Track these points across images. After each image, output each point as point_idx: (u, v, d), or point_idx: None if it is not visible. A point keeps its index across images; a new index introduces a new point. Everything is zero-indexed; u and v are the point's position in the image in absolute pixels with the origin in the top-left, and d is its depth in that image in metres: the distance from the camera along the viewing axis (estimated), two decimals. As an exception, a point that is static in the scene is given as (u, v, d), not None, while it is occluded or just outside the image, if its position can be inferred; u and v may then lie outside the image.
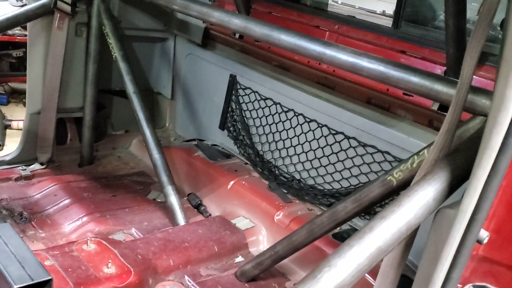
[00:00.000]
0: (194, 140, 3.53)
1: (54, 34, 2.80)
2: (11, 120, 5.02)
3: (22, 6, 4.69)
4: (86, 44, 3.02)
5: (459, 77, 1.20)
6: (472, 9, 2.25)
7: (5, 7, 5.09)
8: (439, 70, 2.14)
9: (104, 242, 2.14)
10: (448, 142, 1.23)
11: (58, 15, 2.77)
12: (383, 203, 1.84)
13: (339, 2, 5.32)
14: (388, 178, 1.56)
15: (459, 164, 1.19)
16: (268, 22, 2.02)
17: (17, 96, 5.75)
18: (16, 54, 5.72)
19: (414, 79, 1.52)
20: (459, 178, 1.17)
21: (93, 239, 2.17)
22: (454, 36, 1.89)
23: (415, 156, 1.54)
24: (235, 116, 3.25)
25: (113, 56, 2.93)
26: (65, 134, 3.26)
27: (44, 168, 3.02)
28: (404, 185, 1.56)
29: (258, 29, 1.98)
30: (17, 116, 5.20)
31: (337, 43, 2.57)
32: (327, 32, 2.62)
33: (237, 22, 2.07)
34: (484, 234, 1.06)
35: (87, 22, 2.97)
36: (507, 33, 1.13)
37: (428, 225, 1.18)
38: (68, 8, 2.76)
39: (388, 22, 2.77)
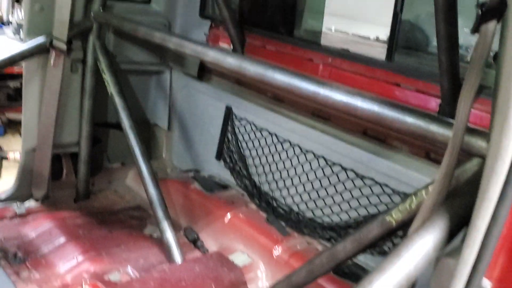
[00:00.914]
0: (190, 171, 3.51)
1: (49, 72, 2.81)
2: (7, 152, 5.01)
3: (20, 39, 4.73)
4: (82, 80, 3.03)
5: (455, 121, 1.20)
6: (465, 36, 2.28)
7: (3, 41, 5.14)
8: (434, 103, 2.14)
9: (99, 285, 2.10)
10: (446, 186, 1.22)
11: (54, 53, 2.78)
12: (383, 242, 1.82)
13: (333, 30, 5.38)
14: (388, 219, 1.54)
15: (458, 209, 1.18)
16: (262, 61, 2.03)
17: (14, 126, 5.76)
18: (14, 86, 5.75)
19: (409, 119, 1.52)
20: (458, 224, 1.15)
21: (88, 281, 2.13)
22: (447, 71, 1.90)
23: (413, 197, 1.53)
24: (231, 147, 3.25)
25: (109, 92, 2.93)
26: (60, 169, 3.24)
27: (39, 205, 3.00)
28: (403, 226, 1.55)
29: (252, 68, 1.98)
30: (14, 146, 5.19)
31: (330, 76, 2.60)
32: (321, 65, 2.64)
33: (231, 61, 2.08)
34: (487, 285, 1.04)
35: (83, 59, 2.98)
36: (501, 70, 1.14)
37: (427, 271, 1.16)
38: (63, 46, 2.78)
39: (382, 51, 2.78)
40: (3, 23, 5.57)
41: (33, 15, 2.69)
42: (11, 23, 5.34)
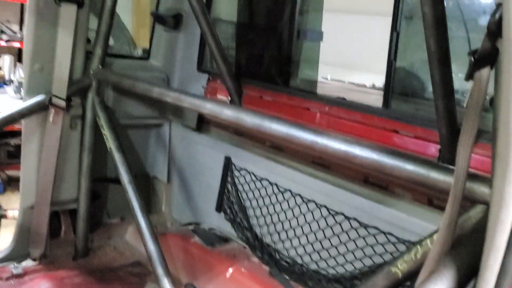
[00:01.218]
0: (190, 224, 3.46)
1: (48, 129, 2.82)
2: (6, 210, 4.95)
3: (21, 98, 4.79)
4: (81, 136, 3.04)
5: (455, 168, 1.18)
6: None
7: (4, 100, 5.20)
8: (434, 149, 2.13)
9: None
10: (451, 235, 1.19)
11: (53, 110, 2.80)
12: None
13: (329, 79, 5.48)
14: (393, 271, 1.50)
15: (465, 259, 1.14)
16: (259, 112, 2.04)
17: (14, 184, 5.72)
18: (14, 143, 5.77)
19: (409, 167, 1.51)
20: (466, 275, 1.11)
21: None
22: (444, 117, 1.90)
23: (418, 246, 1.49)
24: (231, 198, 3.21)
25: (108, 148, 2.93)
26: (58, 227, 3.19)
27: (36, 264, 2.93)
28: (410, 277, 1.50)
29: (249, 119, 1.99)
30: (14, 204, 5.14)
31: (328, 124, 2.60)
32: (318, 114, 2.65)
33: (228, 113, 2.10)
34: None
35: (82, 115, 3.00)
36: (498, 114, 1.13)
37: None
38: (63, 103, 2.81)
39: (379, 98, 2.81)
40: (5, 83, 5.67)
41: (32, 74, 2.73)
42: (12, 82, 5.44)
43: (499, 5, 1.06)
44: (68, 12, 2.69)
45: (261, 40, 3.62)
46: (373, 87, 5.38)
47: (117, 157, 2.92)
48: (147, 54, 3.44)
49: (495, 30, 1.08)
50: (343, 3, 5.82)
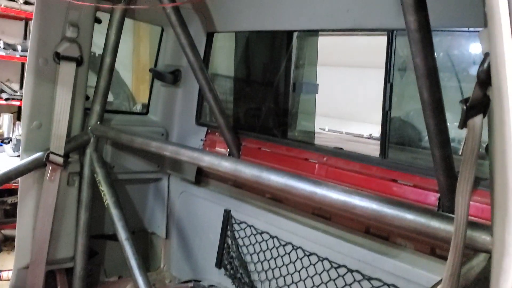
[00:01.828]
0: (190, 281, 3.37)
1: (45, 186, 2.80)
2: (1, 271, 4.83)
3: (18, 156, 4.79)
4: (78, 193, 3.02)
5: (454, 218, 1.16)
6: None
7: (2, 158, 5.20)
8: (433, 197, 2.12)
9: None
10: (454, 286, 1.15)
11: (51, 167, 2.80)
12: None
13: (326, 130, 5.53)
14: None
15: (471, 312, 1.10)
16: (257, 163, 2.04)
17: (10, 243, 5.62)
18: (11, 201, 5.71)
19: (409, 216, 1.49)
20: (474, 328, 1.07)
21: None
22: (442, 165, 1.90)
23: (423, 299, 1.45)
24: (231, 253, 3.15)
25: (105, 203, 2.91)
26: (54, 286, 3.10)
27: (30, 327, 2.83)
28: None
29: (247, 171, 1.99)
30: (9, 265, 5.03)
31: (326, 175, 2.60)
32: (316, 165, 2.65)
33: (226, 165, 2.10)
34: None
35: (79, 171, 3.00)
36: (494, 162, 1.13)
37: None
38: (60, 160, 2.81)
39: (376, 148, 2.82)
40: (3, 141, 5.69)
41: (30, 132, 2.75)
42: (11, 140, 5.46)
43: (486, 55, 1.09)
44: (67, 70, 2.75)
45: (258, 93, 3.68)
46: (370, 137, 5.41)
47: (115, 213, 2.89)
48: (146, 109, 3.49)
49: (485, 79, 1.10)
50: (337, 58, 5.96)
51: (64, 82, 2.76)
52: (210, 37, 3.28)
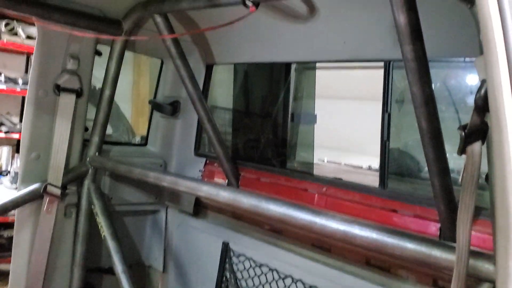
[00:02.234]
0: (188, 316, 3.29)
1: (42, 218, 2.77)
2: (-6, 307, 4.73)
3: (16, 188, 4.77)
4: (75, 225, 2.98)
5: (456, 247, 1.15)
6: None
7: (0, 190, 5.18)
8: (434, 227, 2.09)
9: None
10: (459, 317, 1.12)
11: (48, 198, 2.77)
12: None
13: (325, 161, 5.53)
14: None
15: None
16: (256, 193, 2.03)
17: (4, 278, 5.52)
18: (7, 235, 5.64)
19: (410, 245, 1.47)
20: None
21: None
22: (442, 195, 1.89)
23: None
24: (230, 287, 3.08)
25: (102, 235, 2.87)
26: (48, 322, 3.03)
27: None
28: None
29: (246, 200, 1.98)
30: (2, 300, 4.92)
31: (326, 205, 2.57)
32: (316, 195, 2.63)
33: (225, 195, 2.08)
34: None
35: (77, 203, 2.97)
36: (495, 191, 1.12)
37: None
38: (58, 192, 2.79)
39: (375, 179, 2.82)
40: (1, 174, 5.67)
41: (28, 163, 2.74)
42: (9, 173, 5.44)
43: (483, 81, 1.10)
44: (67, 101, 2.76)
45: (256, 124, 3.70)
46: (369, 168, 5.41)
47: (112, 245, 2.85)
48: (144, 140, 3.49)
49: (482, 105, 1.10)
50: (336, 90, 6.02)
51: (63, 113, 2.77)
52: (209, 69, 3.32)
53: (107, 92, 2.94)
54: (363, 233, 1.58)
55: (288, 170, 3.23)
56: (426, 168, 1.94)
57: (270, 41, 2.83)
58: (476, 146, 1.16)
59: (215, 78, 3.42)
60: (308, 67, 4.29)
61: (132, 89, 5.94)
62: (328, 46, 2.56)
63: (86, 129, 3.02)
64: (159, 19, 2.62)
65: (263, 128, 3.68)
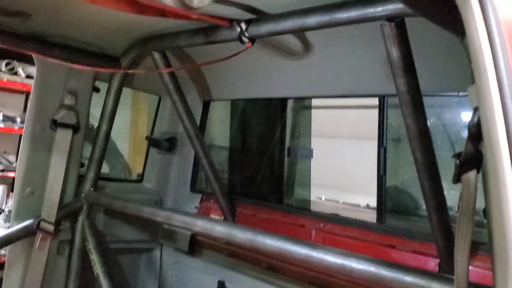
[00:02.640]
0: None
1: (34, 255, 2.71)
2: None
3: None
4: (68, 262, 2.92)
5: (454, 278, 1.12)
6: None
7: (-7, 228, 5.10)
8: (433, 262, 2.06)
9: None
10: None
11: (41, 235, 2.72)
12: None
13: (323, 199, 5.49)
14: None
15: None
16: (252, 227, 2.00)
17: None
18: (-1, 275, 5.51)
19: (408, 278, 1.44)
20: None
21: None
22: (440, 229, 1.87)
23: None
24: (225, 329, 3.00)
25: (95, 273, 2.80)
26: None
27: None
28: None
29: (242, 235, 1.95)
30: None
31: (324, 241, 2.54)
32: (313, 231, 2.60)
33: (220, 229, 2.05)
34: None
35: (70, 240, 2.92)
36: (492, 225, 1.10)
37: None
38: (51, 228, 2.74)
39: (373, 216, 2.79)
40: (-4, 213, 5.60)
41: (22, 199, 2.70)
42: (3, 211, 5.37)
43: (476, 109, 1.10)
44: (64, 136, 2.76)
45: (253, 160, 3.69)
46: (368, 207, 5.36)
47: (105, 283, 2.78)
48: (140, 177, 3.47)
49: (476, 133, 1.10)
50: (332, 129, 6.06)
51: (59, 148, 2.76)
52: (206, 105, 3.35)
53: (103, 128, 2.95)
54: (361, 266, 1.55)
55: (285, 205, 3.20)
56: (424, 206, 1.93)
57: (266, 77, 2.87)
58: (472, 174, 1.15)
59: (212, 114, 3.44)
60: (304, 105, 4.34)
61: (130, 128, 5.95)
62: (323, 82, 2.60)
63: (82, 165, 3.00)
64: (157, 55, 2.66)
65: (259, 164, 3.68)
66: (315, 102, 4.04)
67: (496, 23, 1.03)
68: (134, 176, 4.17)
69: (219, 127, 3.74)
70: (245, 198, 3.12)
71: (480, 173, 1.18)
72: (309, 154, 3.57)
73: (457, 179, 1.15)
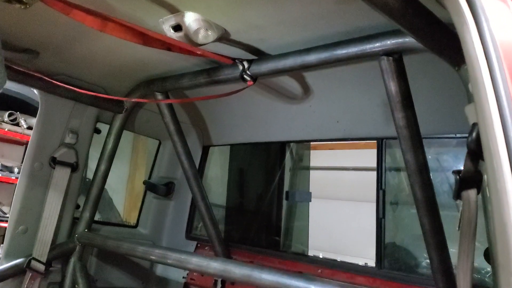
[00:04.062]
0: None
1: (22, 296, 2.62)
2: None
3: None
4: (55, 306, 2.81)
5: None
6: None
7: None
8: (434, 307, 1.99)
9: None
10: None
11: (30, 274, 2.64)
12: None
13: (321, 256, 5.37)
14: None
15: None
16: (247, 263, 1.95)
17: None
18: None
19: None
20: None
21: None
22: (440, 268, 1.84)
23: None
24: None
25: None
26: None
27: None
28: None
29: (238, 271, 1.89)
30: None
31: (322, 287, 2.46)
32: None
33: (216, 266, 2.00)
34: None
35: (60, 282, 2.82)
36: (497, 267, 1.06)
37: None
38: (42, 268, 2.65)
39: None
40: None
41: (15, 237, 2.63)
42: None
43: (474, 125, 1.11)
44: (61, 175, 2.74)
45: (249, 206, 3.65)
46: (366, 265, 5.25)
47: None
48: (135, 222, 3.42)
49: (475, 149, 1.10)
50: (330, 191, 6.05)
51: (56, 186, 2.74)
52: (205, 150, 3.37)
53: (102, 168, 2.94)
54: (360, 298, 1.50)
55: (282, 252, 3.13)
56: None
57: (265, 122, 2.92)
58: (472, 192, 1.15)
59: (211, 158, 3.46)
60: (302, 167, 4.37)
61: (127, 183, 5.93)
62: (322, 125, 2.64)
63: (77, 207, 2.97)
64: (160, 97, 2.71)
65: (257, 211, 3.64)
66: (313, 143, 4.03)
67: (492, 42, 1.07)
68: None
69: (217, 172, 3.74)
70: (241, 245, 3.06)
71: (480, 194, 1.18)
72: (307, 197, 3.53)
73: (457, 195, 1.14)
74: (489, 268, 2.03)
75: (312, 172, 5.09)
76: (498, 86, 1.06)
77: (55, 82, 2.47)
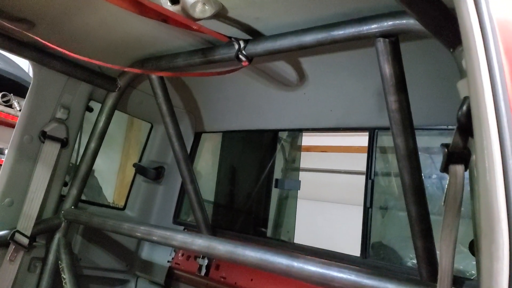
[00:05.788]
0: None
1: (3, 267, 2.58)
2: None
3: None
4: (37, 282, 2.78)
5: (438, 269, 1.09)
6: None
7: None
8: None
9: None
10: None
11: (13, 247, 2.61)
12: None
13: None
14: None
15: None
16: (231, 240, 1.94)
17: None
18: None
19: (391, 286, 1.39)
20: None
21: None
22: (424, 256, 1.85)
23: None
24: None
25: None
26: None
27: None
28: None
29: (221, 247, 1.88)
30: None
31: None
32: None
33: (200, 242, 1.98)
34: None
35: (43, 258, 2.80)
36: (479, 225, 1.06)
37: None
38: (25, 241, 2.63)
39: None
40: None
41: (0, 209, 2.61)
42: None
43: (465, 98, 1.11)
44: (51, 150, 2.72)
45: (239, 194, 3.64)
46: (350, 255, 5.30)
47: None
48: (123, 204, 3.40)
49: (465, 123, 1.10)
50: (319, 193, 6.06)
51: (45, 161, 2.72)
52: (197, 136, 3.36)
53: (92, 145, 2.92)
54: (342, 275, 1.50)
55: (269, 238, 3.13)
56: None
57: (259, 109, 2.91)
58: (459, 167, 1.14)
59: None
60: (293, 167, 4.38)
61: (118, 172, 5.89)
62: (315, 114, 2.63)
63: (65, 184, 2.94)
64: (154, 77, 2.70)
65: (245, 199, 3.64)
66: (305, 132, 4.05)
67: (488, 16, 1.07)
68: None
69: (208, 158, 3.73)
70: (228, 231, 3.05)
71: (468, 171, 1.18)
72: (296, 185, 3.53)
73: (444, 168, 1.14)
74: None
75: (302, 174, 5.10)
76: (492, 58, 1.06)
77: (51, 49, 2.44)
